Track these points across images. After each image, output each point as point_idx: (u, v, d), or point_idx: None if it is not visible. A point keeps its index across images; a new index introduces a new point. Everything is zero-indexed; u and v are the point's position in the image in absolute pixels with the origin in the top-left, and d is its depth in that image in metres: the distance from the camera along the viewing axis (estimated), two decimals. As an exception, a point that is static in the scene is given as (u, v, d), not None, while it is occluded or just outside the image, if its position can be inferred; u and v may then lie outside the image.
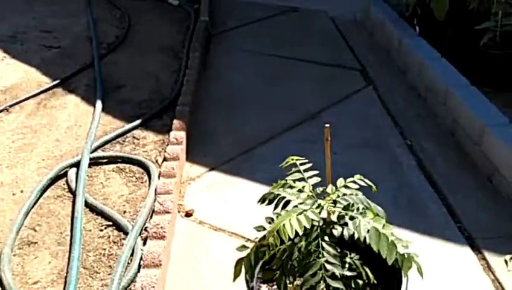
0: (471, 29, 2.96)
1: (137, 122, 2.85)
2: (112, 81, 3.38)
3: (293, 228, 1.06)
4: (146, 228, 2.03)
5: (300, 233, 1.07)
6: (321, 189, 1.20)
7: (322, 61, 3.64)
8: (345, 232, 1.15)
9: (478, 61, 2.90)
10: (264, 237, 1.12)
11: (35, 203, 2.23)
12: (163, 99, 3.14)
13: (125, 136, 2.76)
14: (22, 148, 2.65)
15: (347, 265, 1.16)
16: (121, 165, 2.52)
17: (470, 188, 2.25)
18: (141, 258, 1.84)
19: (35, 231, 2.09)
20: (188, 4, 4.85)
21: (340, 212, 1.15)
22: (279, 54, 3.77)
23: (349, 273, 1.14)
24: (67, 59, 3.67)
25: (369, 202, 1.22)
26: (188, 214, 2.23)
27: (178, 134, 2.61)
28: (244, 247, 1.17)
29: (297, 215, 1.08)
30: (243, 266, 1.17)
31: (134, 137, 2.76)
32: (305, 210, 1.10)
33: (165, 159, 2.46)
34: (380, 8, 3.86)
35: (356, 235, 1.12)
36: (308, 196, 1.16)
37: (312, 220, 1.09)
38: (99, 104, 3.02)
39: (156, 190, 2.22)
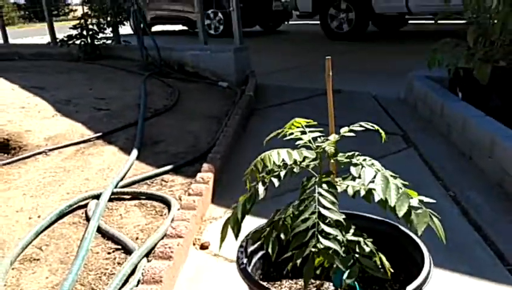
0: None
1: (168, 167, 2.82)
2: (151, 137, 3.43)
3: (280, 156, 0.92)
4: (154, 252, 1.88)
5: (289, 162, 0.93)
6: (322, 139, 1.06)
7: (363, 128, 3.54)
8: (349, 190, 0.98)
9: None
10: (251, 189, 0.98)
11: (49, 227, 2.16)
12: (198, 151, 3.12)
13: (153, 179, 2.72)
14: (50, 183, 2.65)
15: (352, 230, 0.97)
16: (144, 201, 2.44)
17: (524, 235, 1.96)
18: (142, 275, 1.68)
19: (41, 250, 1.99)
20: (236, 86, 5.06)
21: (342, 161, 0.99)
22: (318, 122, 3.72)
23: (353, 238, 0.95)
24: (114, 119, 3.81)
25: (386, 171, 1.04)
26: (203, 247, 2.06)
27: (205, 175, 2.53)
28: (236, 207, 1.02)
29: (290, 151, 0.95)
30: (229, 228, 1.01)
31: (162, 180, 2.71)
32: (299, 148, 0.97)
33: (188, 195, 2.36)
34: (423, 82, 3.81)
35: (362, 192, 0.94)
36: (305, 144, 1.02)
37: (306, 157, 0.94)
38: (134, 152, 3.04)
39: (172, 219, 2.10)
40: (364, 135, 3.04)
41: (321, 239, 0.86)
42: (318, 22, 8.98)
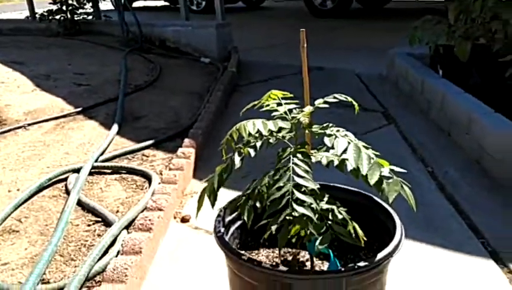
0: (496, 68, 2.86)
1: (149, 142, 2.81)
2: (132, 112, 3.41)
3: (255, 126, 0.94)
4: (134, 224, 1.89)
5: (265, 132, 0.94)
6: (298, 110, 1.07)
7: (344, 104, 3.57)
8: (323, 160, 1.00)
9: (504, 96, 2.76)
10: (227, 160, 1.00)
11: (28, 200, 2.15)
12: (180, 127, 3.11)
13: (134, 154, 2.71)
14: (30, 157, 2.63)
15: (326, 199, 0.99)
16: (124, 175, 2.44)
17: (497, 208, 2.01)
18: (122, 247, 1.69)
19: (21, 222, 1.99)
20: (218, 62, 5.03)
21: (316, 131, 1.01)
22: (297, 96, 3.74)
23: (327, 206, 0.97)
24: (94, 94, 3.76)
25: (359, 142, 1.05)
26: (184, 220, 2.08)
27: (186, 150, 2.54)
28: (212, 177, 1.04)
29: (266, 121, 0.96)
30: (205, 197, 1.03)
31: (143, 155, 2.70)
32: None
33: (169, 170, 2.36)
34: (404, 60, 3.84)
35: (336, 162, 0.96)
36: (281, 115, 1.03)
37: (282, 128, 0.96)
38: (115, 127, 3.02)
39: (153, 193, 2.11)
40: (346, 114, 3.07)
41: (295, 206, 0.88)
42: (302, -1, 8.92)
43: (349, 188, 1.24)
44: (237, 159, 0.99)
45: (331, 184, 1.23)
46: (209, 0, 9.46)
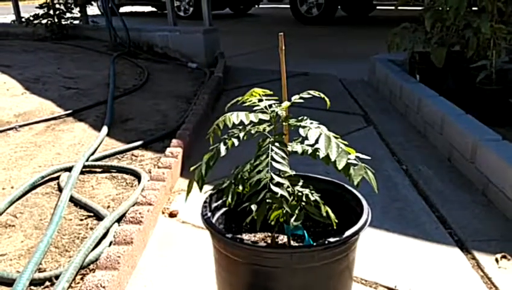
0: (469, 74, 3.03)
1: (138, 143, 2.92)
2: (121, 115, 3.51)
3: (238, 117, 1.06)
4: (126, 217, 1.99)
5: (246, 122, 1.07)
6: (276, 105, 1.19)
7: (326, 108, 3.71)
8: (299, 149, 1.12)
9: (475, 99, 2.93)
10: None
11: (22, 196, 2.24)
12: (168, 128, 3.22)
13: (124, 154, 2.81)
14: (22, 157, 2.72)
15: (300, 183, 1.12)
16: (114, 174, 2.54)
17: (463, 201, 2.16)
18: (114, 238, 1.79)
19: (16, 217, 2.08)
20: (205, 67, 5.15)
21: (293, 123, 1.14)
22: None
23: (301, 190, 1.09)
24: (83, 97, 3.86)
25: (330, 133, 1.17)
26: (172, 215, 2.19)
27: (174, 149, 2.65)
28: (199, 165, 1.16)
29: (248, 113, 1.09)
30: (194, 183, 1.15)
31: (133, 155, 2.81)
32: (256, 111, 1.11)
33: (158, 168, 2.47)
34: (385, 65, 4.00)
35: (309, 151, 1.09)
36: (261, 110, 1.16)
37: (261, 120, 1.08)
38: (104, 128, 3.12)
39: (143, 189, 2.22)
40: (328, 117, 3.22)
41: (272, 187, 1.00)
42: (288, 6, 9.11)
43: (324, 177, 1.37)
44: (223, 148, 1.11)
45: (308, 174, 1.36)
46: (197, 6, 9.60)
